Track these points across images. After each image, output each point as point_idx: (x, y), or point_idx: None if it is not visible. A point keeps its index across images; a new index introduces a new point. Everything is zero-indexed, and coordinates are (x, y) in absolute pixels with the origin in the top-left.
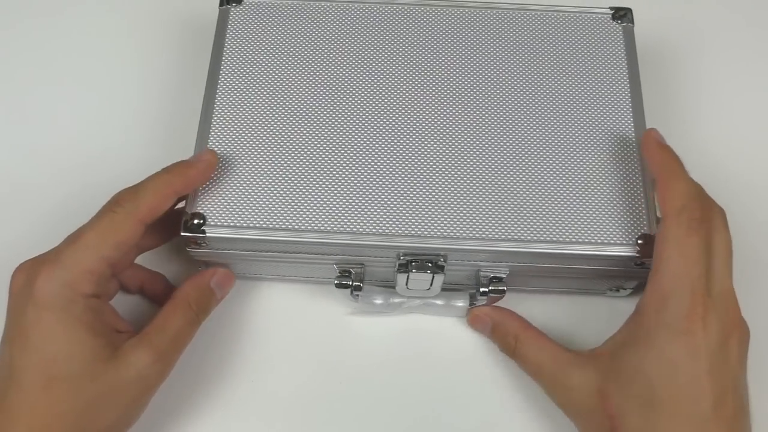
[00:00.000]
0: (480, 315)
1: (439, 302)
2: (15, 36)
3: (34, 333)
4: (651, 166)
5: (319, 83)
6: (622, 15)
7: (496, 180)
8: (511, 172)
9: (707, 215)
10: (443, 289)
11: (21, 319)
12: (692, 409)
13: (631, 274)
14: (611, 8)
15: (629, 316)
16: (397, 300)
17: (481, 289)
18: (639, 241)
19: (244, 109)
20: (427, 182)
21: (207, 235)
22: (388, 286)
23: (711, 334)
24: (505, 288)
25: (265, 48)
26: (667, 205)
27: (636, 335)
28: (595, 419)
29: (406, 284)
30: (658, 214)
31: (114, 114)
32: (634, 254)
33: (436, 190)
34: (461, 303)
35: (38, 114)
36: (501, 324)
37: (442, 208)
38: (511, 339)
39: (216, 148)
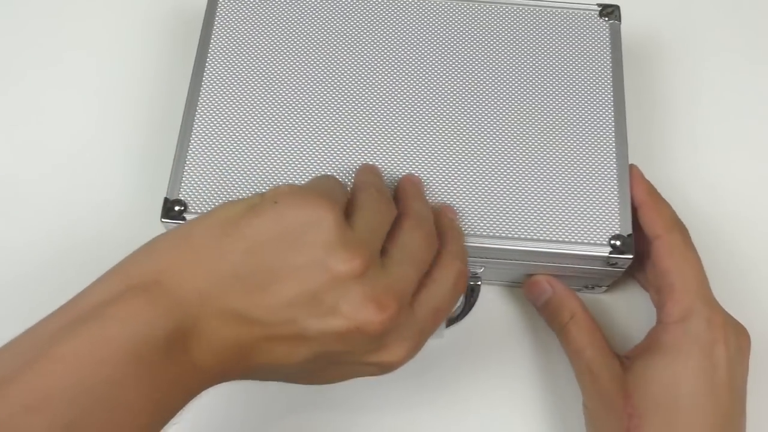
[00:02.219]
0: (541, 281)
1: None
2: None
3: None
4: (637, 194)
5: (307, 75)
6: (610, 12)
7: (471, 176)
8: (487, 169)
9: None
10: None
11: None
12: (708, 419)
13: (605, 274)
14: (599, 5)
15: (655, 326)
16: None
17: None
18: (612, 242)
19: (230, 99)
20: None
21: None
22: None
23: (731, 345)
24: (480, 282)
25: (254, 38)
26: (660, 222)
27: (661, 345)
28: (615, 413)
29: None
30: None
31: (98, 106)
32: (606, 254)
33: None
34: None
35: (21, 107)
36: (561, 296)
37: None
38: (567, 314)
39: (201, 136)
